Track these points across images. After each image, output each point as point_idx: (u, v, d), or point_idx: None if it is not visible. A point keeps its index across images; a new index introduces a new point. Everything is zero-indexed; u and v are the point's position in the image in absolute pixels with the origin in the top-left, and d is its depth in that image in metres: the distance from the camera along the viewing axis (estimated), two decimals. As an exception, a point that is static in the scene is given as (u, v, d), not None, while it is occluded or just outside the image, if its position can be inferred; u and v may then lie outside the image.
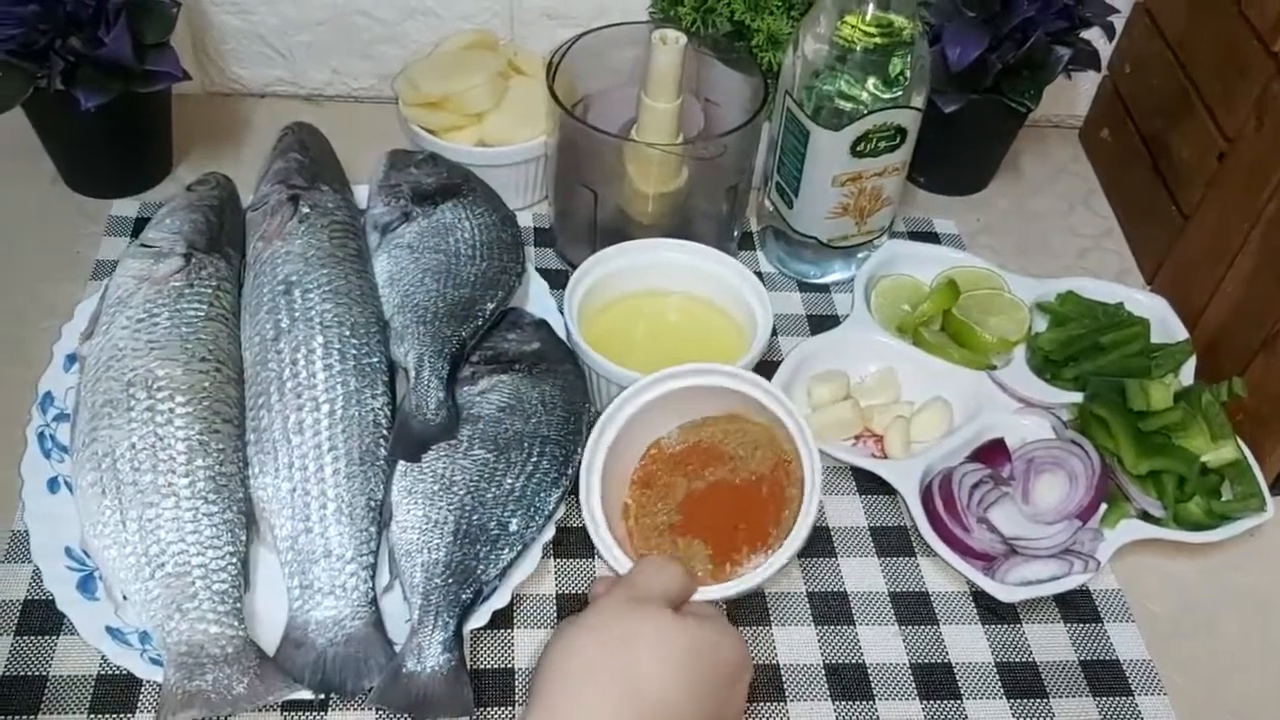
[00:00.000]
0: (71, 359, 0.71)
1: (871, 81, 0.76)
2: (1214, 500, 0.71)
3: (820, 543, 0.71)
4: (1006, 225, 0.95)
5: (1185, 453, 0.71)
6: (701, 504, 0.67)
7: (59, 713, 0.60)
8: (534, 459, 0.67)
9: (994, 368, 0.78)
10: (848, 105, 0.76)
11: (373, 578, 0.63)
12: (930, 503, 0.70)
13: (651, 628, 0.56)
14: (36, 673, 0.61)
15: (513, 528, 0.64)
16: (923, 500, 0.71)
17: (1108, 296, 0.82)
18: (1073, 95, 1.01)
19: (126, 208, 0.88)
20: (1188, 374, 0.78)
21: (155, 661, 0.59)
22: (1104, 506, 0.71)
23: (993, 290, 0.82)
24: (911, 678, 0.65)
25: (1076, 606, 0.69)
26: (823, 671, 0.65)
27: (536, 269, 0.82)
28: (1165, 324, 0.81)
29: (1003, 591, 0.67)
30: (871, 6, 0.73)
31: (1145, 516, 0.71)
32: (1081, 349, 0.79)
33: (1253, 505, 0.71)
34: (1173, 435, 0.72)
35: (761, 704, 0.63)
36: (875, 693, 0.64)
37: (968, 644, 0.67)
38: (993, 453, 0.73)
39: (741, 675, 0.58)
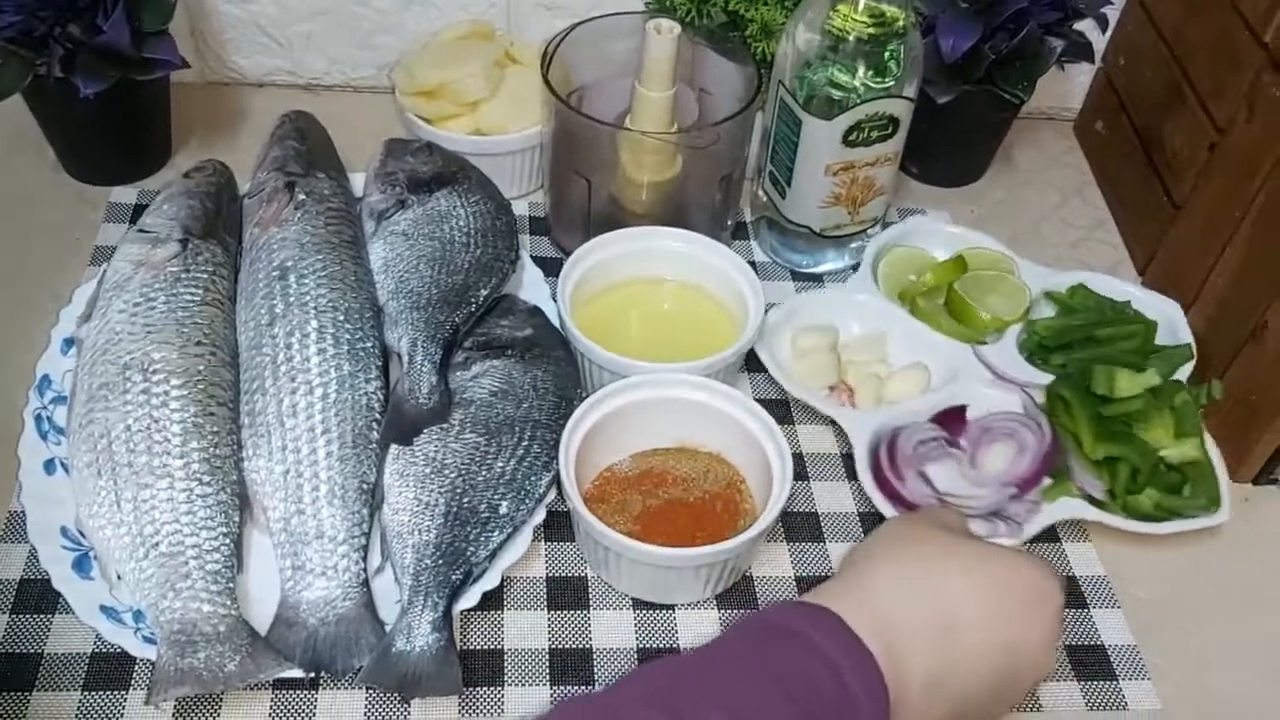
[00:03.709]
0: (69, 343, 0.72)
1: (863, 71, 0.76)
2: (1168, 496, 0.71)
3: (809, 528, 0.72)
4: (1000, 216, 0.95)
5: (1143, 444, 0.71)
6: (658, 517, 0.67)
7: (54, 690, 0.61)
8: (525, 443, 0.67)
9: (984, 343, 0.79)
10: (839, 94, 0.77)
11: (364, 559, 0.64)
12: (878, 454, 0.72)
13: (952, 545, 0.57)
14: (32, 650, 0.62)
15: (503, 510, 0.65)
16: (875, 452, 0.72)
17: (1118, 294, 0.82)
18: (1066, 87, 1.02)
19: (125, 195, 0.88)
20: (1183, 378, 0.77)
21: (149, 640, 0.60)
22: (1048, 481, 0.72)
23: (1000, 273, 0.83)
24: (897, 661, 0.66)
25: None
26: (809, 654, 0.66)
27: (531, 257, 0.82)
28: (1174, 329, 0.80)
29: None
30: (864, -4, 0.74)
31: (1090, 499, 0.71)
32: (1077, 338, 0.79)
33: (1203, 505, 0.71)
34: (1133, 425, 0.72)
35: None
36: (861, 676, 0.65)
37: (954, 628, 0.67)
38: (952, 418, 0.74)
39: (1045, 600, 0.56)
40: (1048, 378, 0.76)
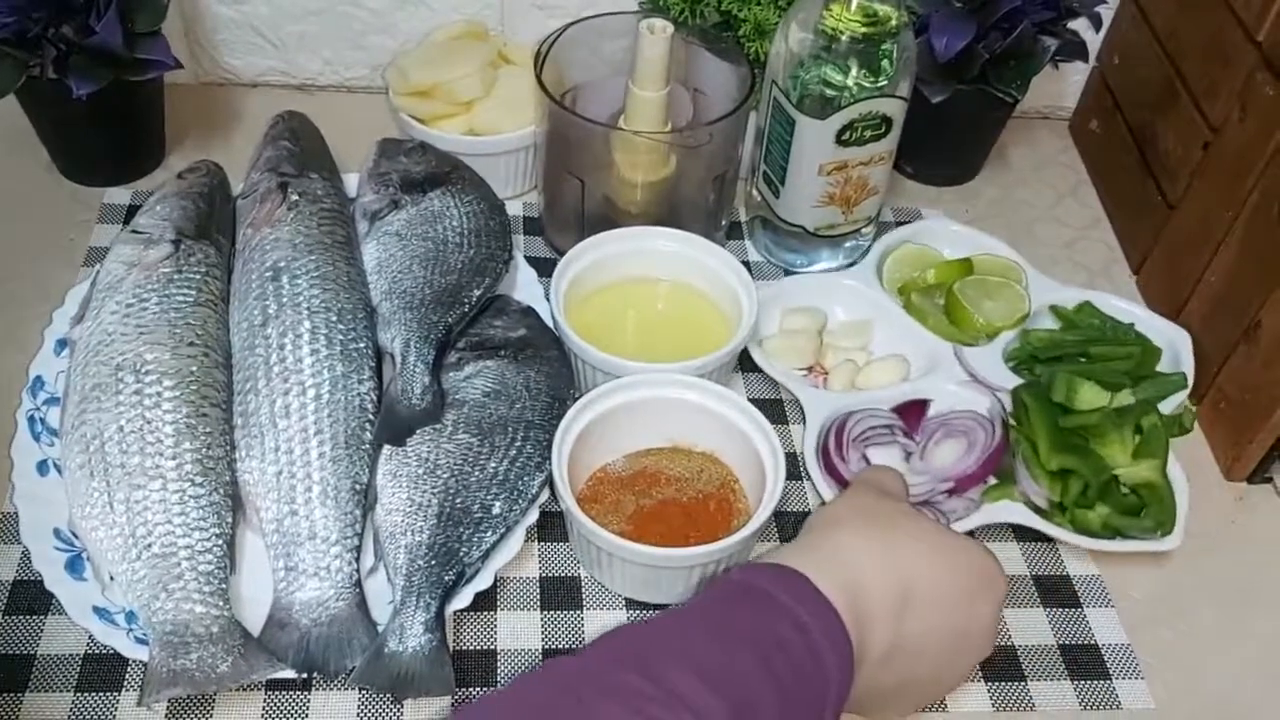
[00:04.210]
0: (62, 344, 0.72)
1: (857, 70, 0.76)
2: (1119, 515, 0.70)
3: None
4: (994, 215, 0.95)
5: (1098, 460, 0.71)
6: (651, 518, 0.67)
7: (46, 691, 0.61)
8: (518, 443, 0.67)
9: (970, 344, 0.79)
10: (833, 94, 0.77)
11: (357, 560, 0.64)
12: (828, 433, 0.73)
13: (906, 517, 0.58)
14: (24, 651, 0.62)
15: (495, 510, 0.65)
16: (825, 431, 0.73)
17: (1125, 316, 0.82)
18: (1061, 86, 1.02)
19: (119, 195, 0.88)
20: (1171, 407, 0.77)
21: (141, 641, 0.60)
22: (992, 481, 0.72)
23: (1005, 280, 0.83)
24: (891, 661, 0.66)
25: (1057, 591, 0.70)
26: (803, 654, 0.66)
27: (525, 257, 0.82)
28: (1178, 357, 0.80)
29: None
30: (856, -4, 0.74)
31: (1034, 506, 0.71)
32: (1069, 352, 0.79)
33: (1150, 528, 0.70)
34: (1090, 439, 0.71)
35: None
36: (854, 675, 0.65)
37: (947, 628, 0.68)
38: (912, 410, 0.75)
39: (993, 585, 0.58)
40: (1015, 383, 0.76)
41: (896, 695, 0.56)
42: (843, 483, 0.71)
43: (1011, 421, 0.74)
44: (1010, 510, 0.71)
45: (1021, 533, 0.72)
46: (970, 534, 0.70)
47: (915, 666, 0.55)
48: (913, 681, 0.56)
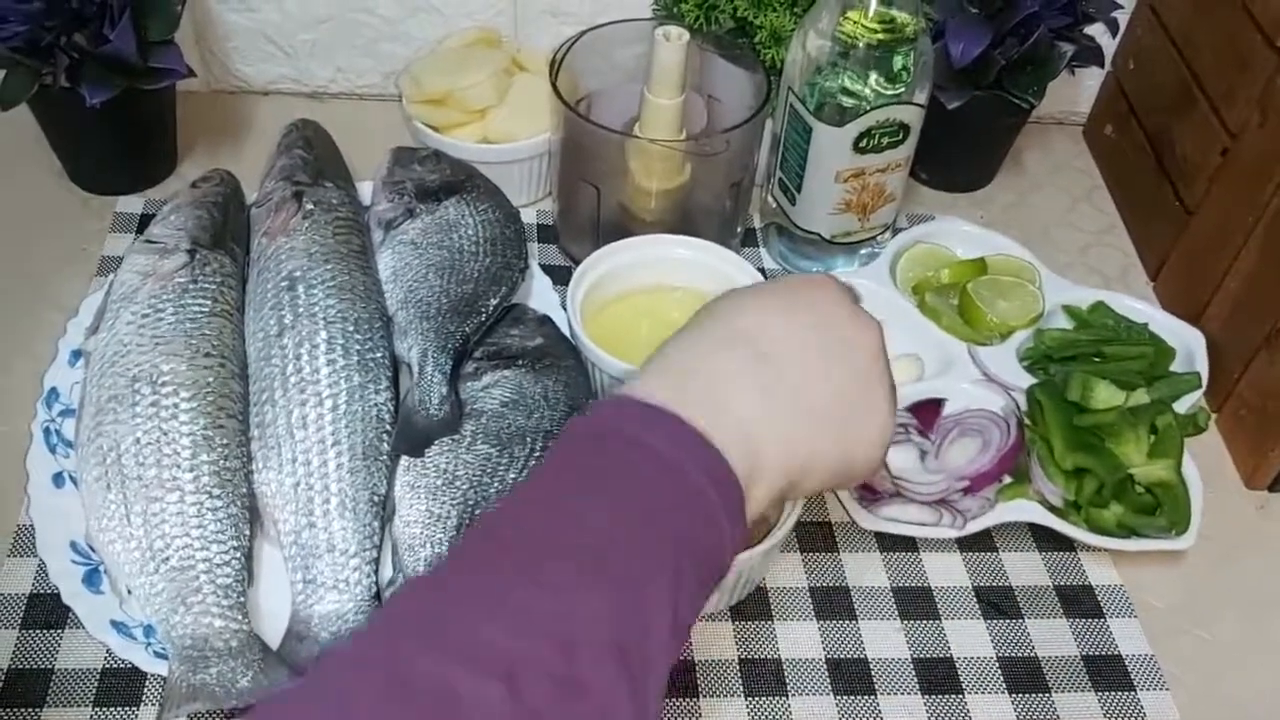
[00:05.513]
0: (77, 354, 0.72)
1: (874, 77, 0.76)
2: (1134, 514, 0.70)
3: (822, 538, 0.71)
4: (1009, 221, 0.95)
5: (1114, 459, 0.70)
6: None
7: (64, 706, 0.60)
8: (537, 454, 0.67)
9: (984, 344, 0.79)
10: (850, 101, 0.76)
11: (376, 572, 0.63)
12: None
13: (749, 288, 0.55)
14: (42, 666, 0.62)
15: (515, 522, 0.64)
16: None
17: (1139, 316, 0.81)
18: (1076, 92, 1.01)
19: (132, 204, 0.88)
20: (1185, 407, 0.76)
21: (160, 655, 0.60)
22: (1007, 480, 0.71)
23: (1019, 280, 0.83)
24: (913, 672, 0.65)
25: (1079, 601, 0.69)
26: (825, 666, 0.65)
27: (540, 265, 0.82)
28: (1192, 357, 0.79)
29: (866, 519, 0.69)
30: (874, 3, 0.74)
31: (1049, 505, 0.71)
32: (1083, 352, 0.79)
33: (1164, 527, 0.69)
34: (1105, 438, 0.71)
35: (763, 698, 0.64)
36: (877, 687, 0.64)
37: (970, 639, 0.67)
38: (926, 410, 0.75)
39: (823, 284, 0.53)
40: (1029, 382, 0.76)
41: (811, 429, 0.49)
42: (860, 486, 0.70)
43: (1026, 420, 0.74)
44: (1025, 509, 0.70)
45: (1042, 540, 0.72)
46: (986, 533, 0.71)
47: (818, 396, 0.49)
48: (831, 412, 0.50)
